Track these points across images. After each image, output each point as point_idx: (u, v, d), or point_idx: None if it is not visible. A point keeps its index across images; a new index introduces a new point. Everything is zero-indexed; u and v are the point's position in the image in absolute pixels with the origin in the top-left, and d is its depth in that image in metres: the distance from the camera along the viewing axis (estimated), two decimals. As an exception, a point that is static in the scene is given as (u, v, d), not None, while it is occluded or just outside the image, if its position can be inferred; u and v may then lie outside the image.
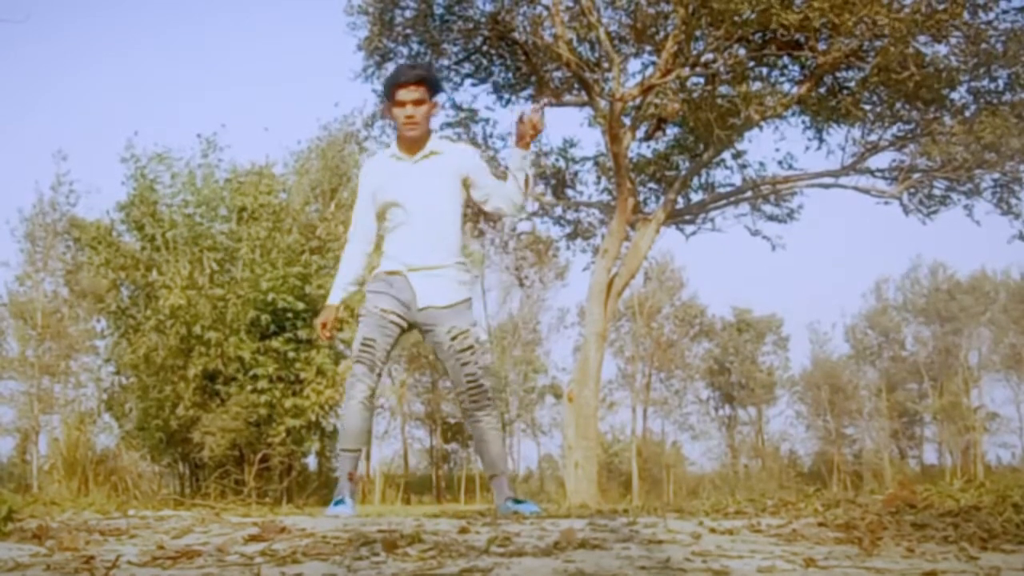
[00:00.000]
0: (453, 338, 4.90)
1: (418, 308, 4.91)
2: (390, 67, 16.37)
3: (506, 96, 17.00)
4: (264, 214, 17.56)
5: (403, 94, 4.93)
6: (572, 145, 17.88)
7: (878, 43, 14.36)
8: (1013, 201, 16.36)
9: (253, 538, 3.10)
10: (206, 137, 18.11)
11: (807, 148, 17.26)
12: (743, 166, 17.58)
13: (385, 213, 5.06)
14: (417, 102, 4.94)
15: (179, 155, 17.87)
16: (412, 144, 5.01)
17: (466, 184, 5.08)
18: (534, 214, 18.61)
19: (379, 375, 5.01)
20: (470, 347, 4.95)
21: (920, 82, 14.40)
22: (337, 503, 4.97)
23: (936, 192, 17.10)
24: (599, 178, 18.10)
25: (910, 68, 14.01)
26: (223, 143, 18.55)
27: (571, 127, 49.04)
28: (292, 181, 19.41)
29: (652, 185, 18.21)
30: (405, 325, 5.01)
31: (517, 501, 4.83)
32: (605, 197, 18.09)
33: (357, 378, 4.93)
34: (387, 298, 4.95)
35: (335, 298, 5.24)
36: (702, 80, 16.00)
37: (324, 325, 5.21)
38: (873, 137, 16.93)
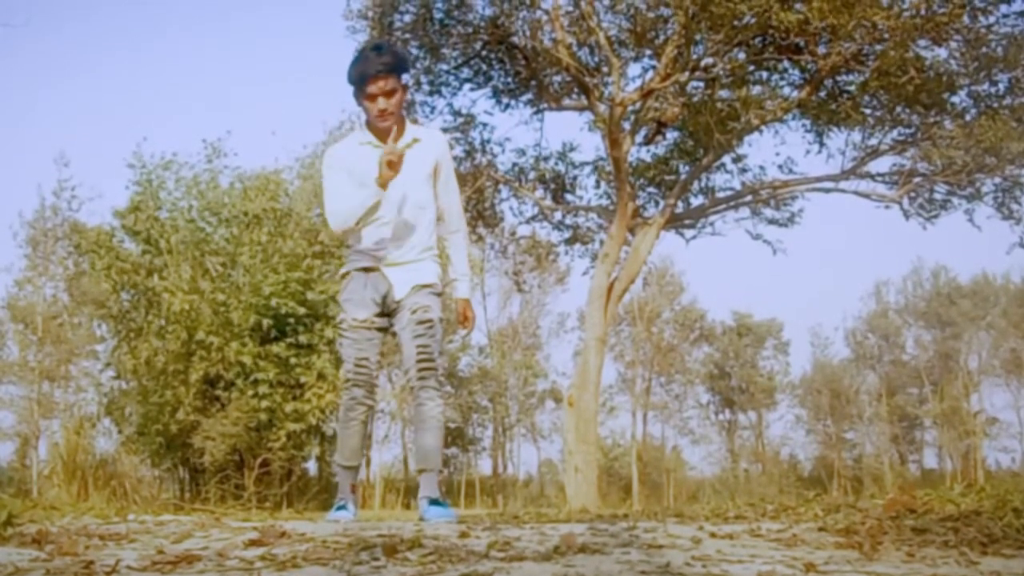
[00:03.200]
0: (413, 312, 4.70)
1: (395, 298, 4.75)
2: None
3: (505, 101, 17.00)
4: (267, 219, 17.60)
5: (373, 88, 4.65)
6: (572, 149, 17.88)
7: (878, 47, 14.37)
8: (1014, 206, 16.36)
9: (253, 543, 3.10)
10: (211, 143, 18.17)
11: (807, 152, 17.23)
12: (743, 170, 17.60)
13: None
14: (389, 93, 4.66)
15: (184, 160, 17.95)
16: (388, 134, 4.73)
17: (436, 170, 4.85)
18: (533, 218, 18.62)
19: (376, 390, 4.89)
20: (429, 321, 4.70)
21: (920, 86, 14.41)
22: (339, 508, 4.87)
23: (937, 196, 17.09)
24: (599, 182, 18.11)
25: (910, 72, 14.02)
26: (228, 148, 18.56)
27: (571, 131, 48.81)
28: (295, 186, 19.48)
29: (652, 189, 18.22)
30: (387, 324, 4.84)
31: (434, 502, 4.62)
32: (605, 201, 18.09)
33: (357, 401, 4.78)
34: (365, 304, 4.77)
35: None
36: (702, 84, 16.02)
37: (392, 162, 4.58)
38: (873, 141, 16.93)
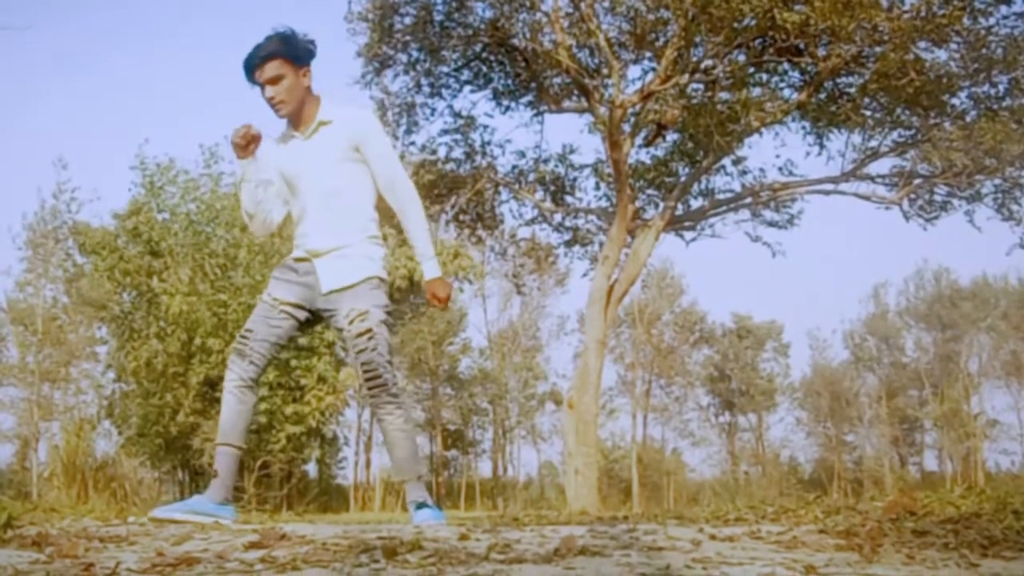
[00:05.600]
0: (351, 321, 4.41)
1: (321, 293, 4.48)
2: (389, 74, 16.40)
3: (505, 103, 17.01)
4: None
5: (256, 78, 4.48)
6: (572, 151, 17.89)
7: (878, 49, 14.37)
8: (1014, 207, 16.36)
9: (253, 545, 3.09)
10: (209, 148, 18.23)
11: (807, 154, 17.23)
12: (743, 172, 17.59)
13: (288, 197, 4.63)
14: (273, 80, 4.45)
15: (182, 167, 18.02)
16: (296, 119, 4.54)
17: (357, 151, 4.53)
18: (533, 221, 18.62)
19: (256, 365, 4.55)
20: (367, 332, 4.40)
21: (920, 88, 14.41)
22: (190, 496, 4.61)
23: (937, 198, 17.10)
24: (598, 185, 18.12)
25: (910, 74, 14.02)
26: (226, 153, 18.64)
27: (570, 133, 48.97)
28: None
29: (652, 191, 18.22)
30: (303, 317, 4.59)
31: (421, 505, 4.47)
32: (604, 204, 18.10)
33: (228, 367, 4.56)
34: (287, 286, 4.55)
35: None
36: (702, 86, 16.02)
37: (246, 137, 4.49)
38: (873, 143, 16.94)
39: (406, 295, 23.29)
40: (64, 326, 32.74)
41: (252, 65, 4.48)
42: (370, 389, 4.46)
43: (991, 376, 45.55)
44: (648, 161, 17.92)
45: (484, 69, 16.77)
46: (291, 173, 4.56)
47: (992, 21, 14.39)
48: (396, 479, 4.64)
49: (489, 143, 17.37)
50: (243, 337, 4.58)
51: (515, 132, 36.45)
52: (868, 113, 16.08)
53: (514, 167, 17.75)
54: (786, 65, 15.65)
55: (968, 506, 3.65)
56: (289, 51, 4.49)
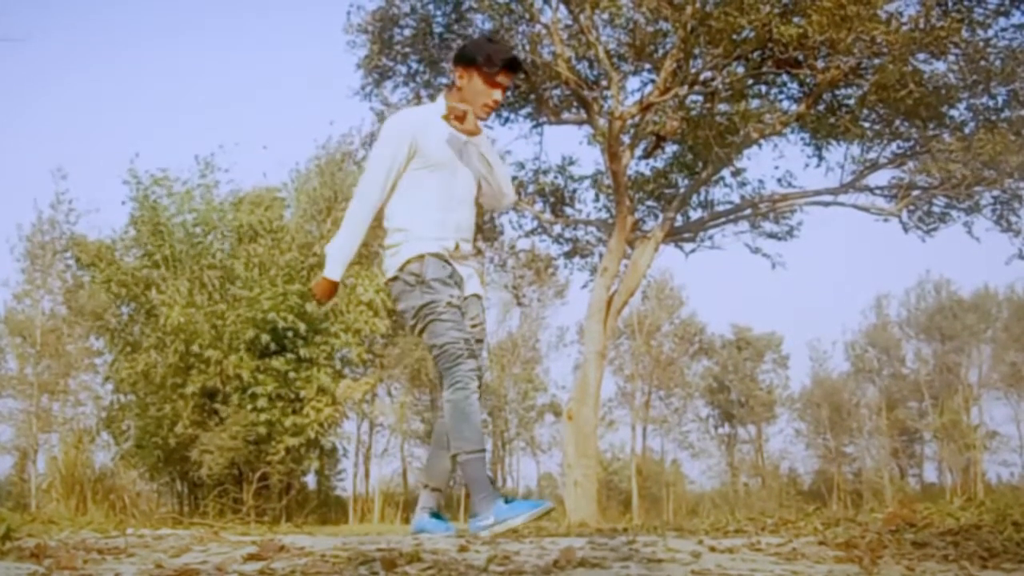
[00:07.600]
0: (473, 326, 4.53)
1: (465, 295, 4.50)
2: (389, 85, 16.42)
3: (505, 114, 17.02)
4: (264, 231, 17.65)
5: (505, 78, 4.45)
6: (571, 163, 17.90)
7: (876, 61, 14.40)
8: (1013, 218, 16.38)
9: (252, 557, 3.09)
10: (204, 158, 18.25)
11: (806, 166, 17.26)
12: (742, 184, 17.60)
13: (427, 178, 4.42)
14: (505, 89, 4.51)
15: (177, 176, 18.03)
16: (474, 126, 4.48)
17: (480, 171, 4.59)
18: (532, 232, 18.63)
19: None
20: (482, 341, 4.59)
21: (919, 99, 14.43)
22: (500, 500, 4.25)
23: (935, 209, 17.12)
24: (598, 196, 18.12)
25: (909, 86, 14.04)
26: (224, 163, 18.72)
27: (570, 145, 49.03)
28: (291, 198, 19.59)
29: (651, 203, 18.22)
30: None
31: (435, 515, 4.48)
32: (604, 215, 18.10)
33: (467, 375, 4.39)
34: (453, 284, 4.42)
35: (337, 274, 4.44)
36: (701, 98, 16.04)
37: (324, 295, 4.48)
38: (872, 155, 16.97)
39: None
40: (63, 337, 32.67)
41: (509, 67, 4.49)
42: None
43: (991, 387, 45.48)
44: (647, 172, 17.94)
45: (483, 81, 16.78)
46: (449, 161, 4.47)
47: (991, 33, 14.44)
48: (433, 484, 4.51)
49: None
50: (468, 343, 4.41)
51: (514, 143, 36.58)
52: (867, 125, 16.11)
53: (514, 178, 17.75)
54: (785, 77, 15.67)
55: (968, 518, 3.65)
56: None
